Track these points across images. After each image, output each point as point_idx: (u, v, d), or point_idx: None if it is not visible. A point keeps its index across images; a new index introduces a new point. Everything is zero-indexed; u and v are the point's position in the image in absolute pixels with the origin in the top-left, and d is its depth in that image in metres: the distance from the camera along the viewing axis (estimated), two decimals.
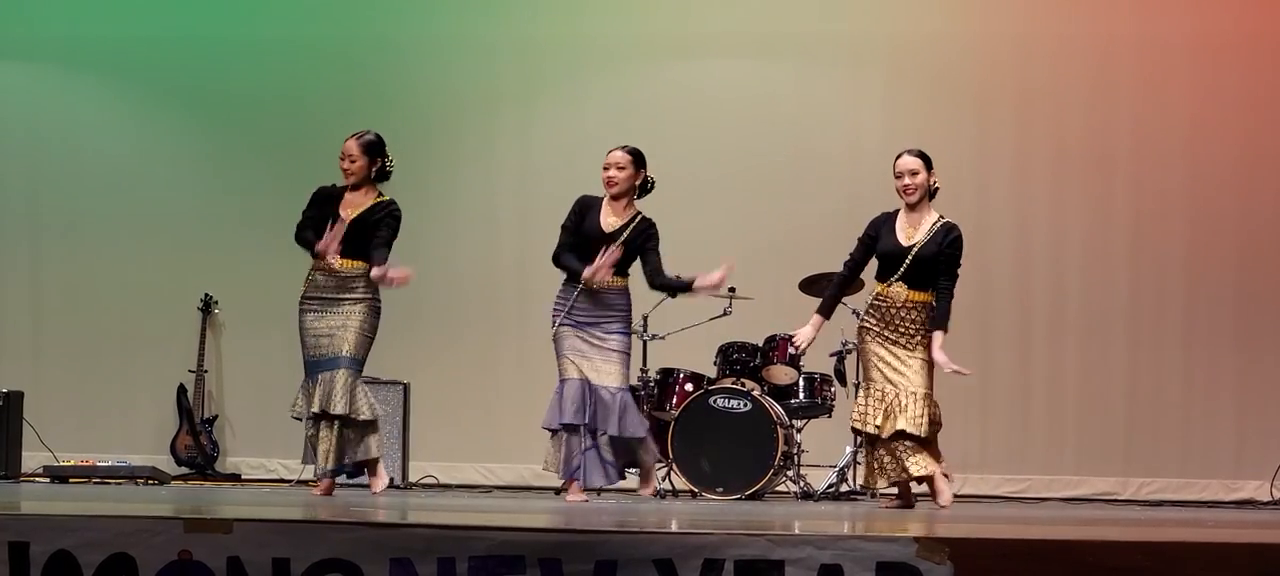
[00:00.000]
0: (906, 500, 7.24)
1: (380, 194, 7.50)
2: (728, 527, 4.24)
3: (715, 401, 8.25)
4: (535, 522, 4.48)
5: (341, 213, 7.39)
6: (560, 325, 7.25)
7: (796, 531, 4.30)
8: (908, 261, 7.05)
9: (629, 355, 7.37)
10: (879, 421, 7.02)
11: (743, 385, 8.33)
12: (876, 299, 7.15)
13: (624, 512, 6.07)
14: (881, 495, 7.53)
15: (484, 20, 10.20)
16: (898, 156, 7.22)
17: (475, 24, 10.20)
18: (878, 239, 7.18)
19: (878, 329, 7.11)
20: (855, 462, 8.56)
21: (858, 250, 7.28)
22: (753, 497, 8.11)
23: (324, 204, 7.47)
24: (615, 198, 7.32)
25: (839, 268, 8.61)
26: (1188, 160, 9.77)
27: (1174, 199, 9.77)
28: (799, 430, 8.60)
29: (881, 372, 7.07)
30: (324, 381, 7.33)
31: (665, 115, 9.93)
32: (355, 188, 7.45)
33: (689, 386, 8.48)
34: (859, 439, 7.18)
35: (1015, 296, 9.64)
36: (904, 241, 7.09)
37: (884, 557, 4.00)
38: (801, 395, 8.54)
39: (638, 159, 7.35)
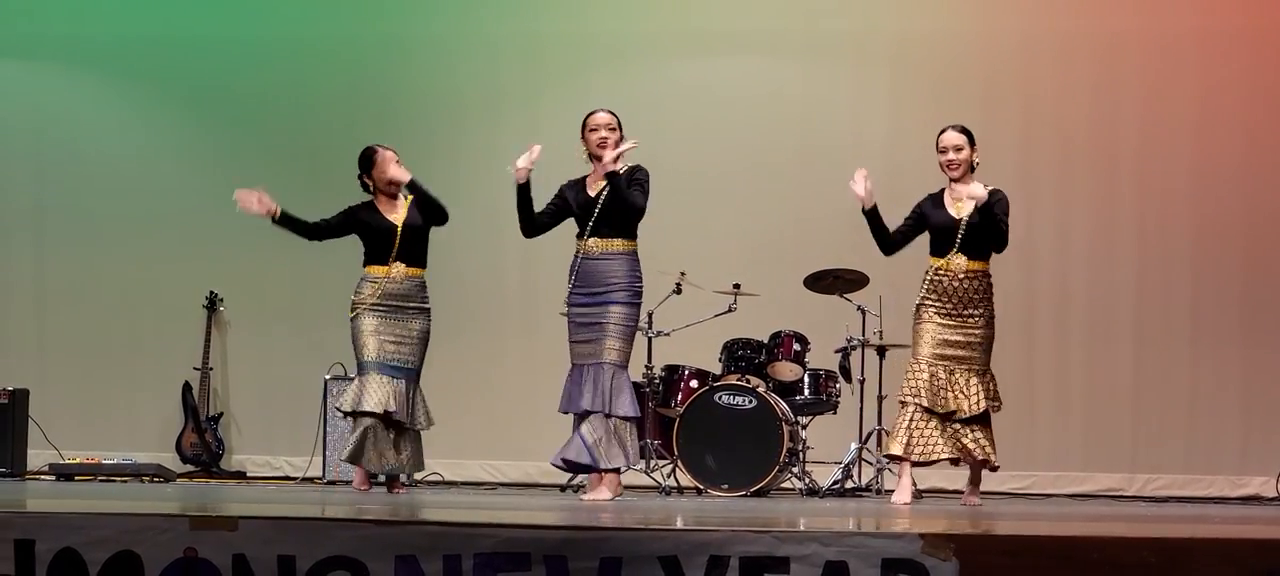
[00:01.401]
0: (975, 480, 7.30)
1: (407, 197, 7.63)
2: (733, 524, 4.24)
3: (720, 398, 8.24)
4: (541, 520, 4.48)
5: (391, 219, 7.51)
6: (569, 302, 7.12)
7: (802, 528, 4.29)
8: (962, 232, 7.10)
9: (629, 324, 7.06)
10: (928, 399, 7.06)
11: (748, 381, 8.32)
12: (936, 274, 7.17)
13: (629, 510, 6.07)
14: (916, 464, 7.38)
15: (488, 18, 10.19)
16: (942, 132, 7.30)
17: (479, 22, 10.20)
18: (926, 216, 7.24)
19: (937, 304, 7.15)
20: (861, 459, 8.56)
21: (905, 222, 7.31)
22: (758, 494, 8.11)
23: (357, 218, 7.56)
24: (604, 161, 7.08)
25: (842, 264, 8.66)
26: (1193, 156, 9.75)
27: (1179, 195, 9.76)
28: (804, 426, 8.59)
29: (939, 351, 7.11)
30: (396, 388, 7.37)
31: (670, 112, 9.92)
32: (393, 198, 7.55)
33: (694, 383, 8.47)
34: (910, 413, 7.11)
35: (1020, 293, 9.61)
36: (955, 214, 7.15)
37: (889, 554, 3.99)
38: (807, 391, 8.53)
39: (619, 120, 7.18)
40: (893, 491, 7.41)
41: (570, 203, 7.18)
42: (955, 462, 7.26)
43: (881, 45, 9.95)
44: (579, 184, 7.20)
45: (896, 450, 7.14)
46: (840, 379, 8.62)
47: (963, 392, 7.09)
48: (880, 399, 8.56)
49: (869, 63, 9.98)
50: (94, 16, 10.35)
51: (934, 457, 7.15)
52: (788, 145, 9.92)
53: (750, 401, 8.19)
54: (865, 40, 9.96)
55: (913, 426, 7.10)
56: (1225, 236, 9.73)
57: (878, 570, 3.99)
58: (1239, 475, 9.58)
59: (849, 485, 8.47)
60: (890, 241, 7.35)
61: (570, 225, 7.29)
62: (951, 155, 7.21)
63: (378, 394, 7.36)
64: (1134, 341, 9.75)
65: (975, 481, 7.36)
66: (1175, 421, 9.69)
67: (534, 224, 7.25)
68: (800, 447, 8.47)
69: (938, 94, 9.85)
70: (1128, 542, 4.10)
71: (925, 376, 7.11)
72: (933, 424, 7.10)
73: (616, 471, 7.05)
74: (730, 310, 8.68)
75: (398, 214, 7.56)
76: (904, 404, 7.16)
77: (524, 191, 7.15)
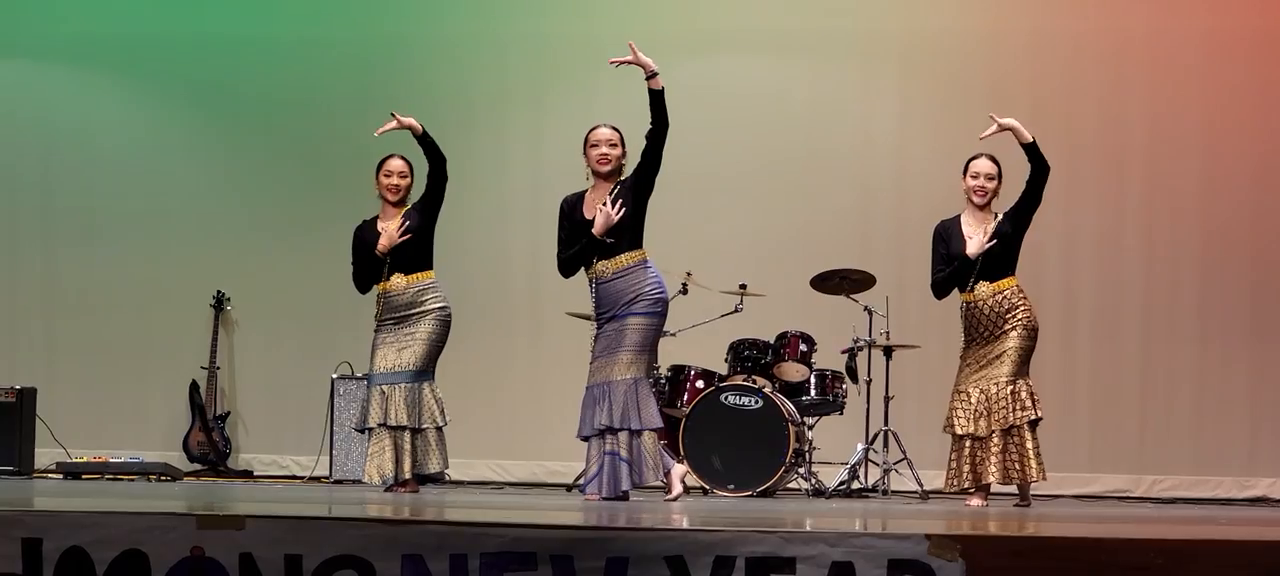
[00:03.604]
0: (1024, 498, 7.33)
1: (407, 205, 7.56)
2: (739, 525, 4.24)
3: (726, 398, 8.24)
4: (547, 519, 4.48)
5: (382, 229, 7.43)
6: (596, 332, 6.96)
7: (808, 528, 4.29)
8: (979, 264, 7.15)
9: (647, 336, 6.85)
10: (969, 425, 7.11)
11: (754, 382, 8.32)
12: (967, 309, 7.25)
13: (636, 510, 6.07)
14: (965, 492, 7.42)
15: (495, 18, 10.20)
16: (973, 158, 7.30)
17: (486, 21, 10.20)
18: (948, 246, 7.24)
19: (975, 335, 7.21)
20: (867, 459, 8.56)
21: (939, 261, 7.30)
22: (764, 495, 8.11)
23: (364, 245, 7.50)
24: (605, 177, 6.92)
25: (849, 264, 8.66)
26: (1202, 156, 9.74)
27: (1188, 195, 9.75)
28: (810, 427, 8.59)
29: (970, 376, 7.17)
30: (394, 396, 7.33)
31: (677, 112, 9.77)
32: (396, 205, 7.49)
33: (700, 383, 8.47)
34: (953, 445, 7.23)
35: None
36: (973, 251, 7.14)
37: (896, 555, 3.99)
38: (813, 392, 8.53)
39: (623, 135, 7.03)
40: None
41: (575, 232, 6.93)
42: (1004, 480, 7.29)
43: (889, 45, 9.95)
44: (576, 204, 6.99)
45: (954, 487, 7.26)
46: (847, 379, 8.62)
47: (992, 409, 7.11)
48: (887, 399, 8.55)
49: (876, 62, 9.98)
50: (102, 16, 10.37)
51: (984, 480, 7.18)
52: (795, 145, 9.92)
53: (756, 402, 8.19)
54: (873, 40, 9.95)
55: (962, 458, 7.18)
56: (1233, 237, 9.71)
57: (884, 570, 3.99)
58: (1247, 476, 9.57)
59: (855, 486, 8.47)
60: (944, 288, 7.35)
61: None
62: (983, 182, 7.24)
63: (376, 409, 7.35)
64: (1141, 342, 9.74)
65: (984, 487, 7.34)
66: (1183, 422, 9.68)
67: (570, 265, 7.02)
68: (806, 448, 8.46)
69: (945, 94, 9.84)
70: (1135, 544, 4.09)
71: (961, 405, 7.16)
72: (979, 447, 7.14)
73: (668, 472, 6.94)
74: (737, 310, 8.68)
75: (391, 224, 7.44)
76: (958, 437, 7.22)
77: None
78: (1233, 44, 9.74)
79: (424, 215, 7.44)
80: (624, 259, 6.86)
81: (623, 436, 6.79)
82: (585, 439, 6.96)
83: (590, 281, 6.95)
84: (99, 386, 10.20)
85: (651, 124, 6.90)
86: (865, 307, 8.62)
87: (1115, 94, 9.81)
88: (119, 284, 10.30)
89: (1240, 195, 9.71)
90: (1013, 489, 7.42)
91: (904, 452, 8.42)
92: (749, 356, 8.52)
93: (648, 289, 6.85)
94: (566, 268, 7.05)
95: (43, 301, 10.39)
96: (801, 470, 8.45)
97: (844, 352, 8.62)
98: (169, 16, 10.33)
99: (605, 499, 6.79)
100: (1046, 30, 9.86)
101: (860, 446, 8.54)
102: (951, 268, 7.24)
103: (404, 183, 7.51)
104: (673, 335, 8.63)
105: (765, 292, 8.72)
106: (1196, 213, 9.74)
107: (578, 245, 6.92)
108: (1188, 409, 9.69)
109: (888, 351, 8.62)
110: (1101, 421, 9.73)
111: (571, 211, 6.99)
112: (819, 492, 8.41)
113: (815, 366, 8.57)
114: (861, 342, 8.59)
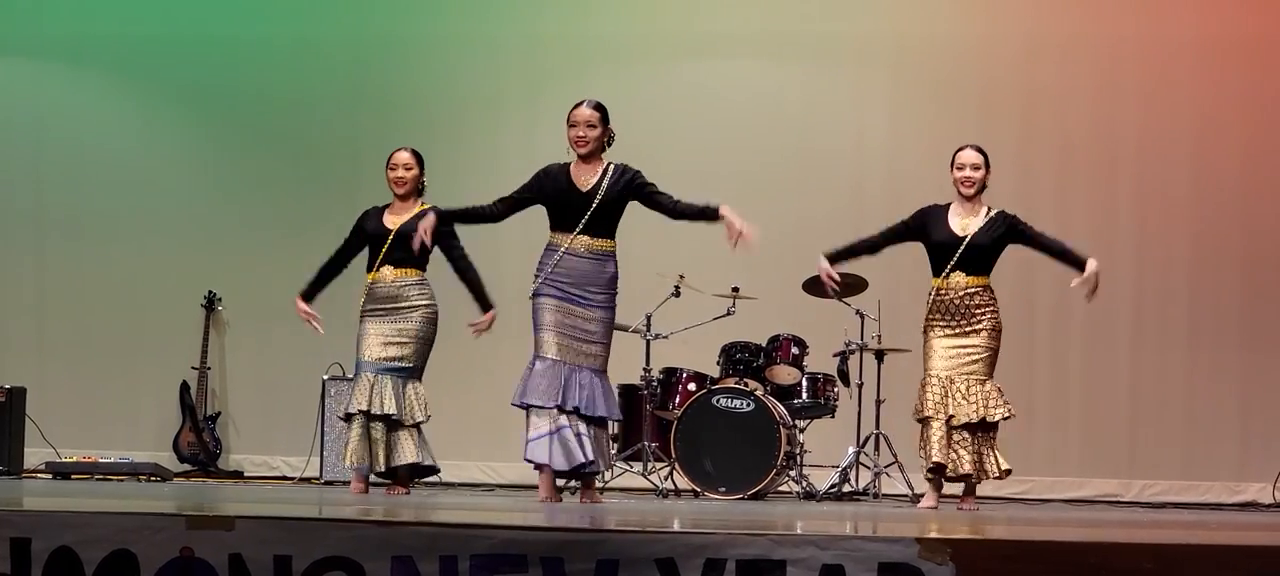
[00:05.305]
0: (971, 488, 7.32)
1: (423, 204, 7.57)
2: (730, 527, 4.24)
3: (718, 401, 8.24)
4: (538, 521, 4.48)
5: (387, 224, 7.49)
6: (542, 293, 6.89)
7: (799, 531, 4.30)
8: (961, 250, 7.16)
9: (610, 330, 6.93)
10: (934, 409, 7.12)
11: (746, 385, 8.32)
12: (938, 294, 7.23)
13: (626, 512, 6.07)
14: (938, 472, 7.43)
15: (489, 19, 10.20)
16: (959, 150, 7.34)
17: (480, 23, 10.20)
18: (926, 229, 7.27)
19: (942, 322, 7.20)
20: (858, 462, 8.56)
21: (896, 228, 7.36)
22: (755, 497, 8.11)
23: (363, 230, 7.56)
24: (585, 158, 6.89)
25: (841, 268, 8.65)
26: (1193, 162, 9.76)
27: (1179, 200, 9.77)
28: (802, 430, 8.60)
29: (942, 362, 7.17)
30: (382, 384, 7.38)
31: (670, 114, 9.92)
32: (403, 198, 7.54)
33: (692, 386, 8.48)
34: (935, 427, 7.18)
35: (1019, 297, 9.61)
36: (959, 231, 7.19)
37: (886, 558, 3.99)
38: (804, 395, 8.53)
39: (605, 113, 6.96)
40: (921, 496, 7.43)
41: (550, 193, 6.90)
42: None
43: (882, 49, 9.96)
44: (563, 173, 6.91)
45: (937, 458, 7.18)
46: (838, 383, 8.62)
47: (964, 399, 7.14)
48: (878, 403, 8.56)
49: (869, 66, 9.99)
50: (95, 15, 10.36)
51: (961, 469, 7.19)
52: (787, 148, 9.92)
53: (748, 404, 8.19)
54: (865, 44, 9.96)
55: (940, 440, 7.15)
56: (1224, 242, 9.73)
57: (874, 574, 3.99)
58: (1236, 481, 9.58)
59: (846, 489, 8.47)
60: (875, 245, 7.39)
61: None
62: (969, 172, 7.27)
63: (361, 394, 7.40)
64: (1132, 346, 9.75)
65: (970, 489, 7.37)
66: (1173, 427, 9.69)
67: (513, 206, 7.03)
68: (797, 451, 8.47)
69: (938, 98, 9.86)
70: (1124, 548, 4.10)
71: (939, 390, 7.15)
72: (954, 432, 7.15)
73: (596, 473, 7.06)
74: (729, 313, 8.68)
75: (398, 218, 7.51)
76: (929, 420, 7.19)
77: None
78: (1224, 49, 9.76)
79: (439, 234, 7.42)
80: (607, 244, 6.91)
81: (580, 421, 6.83)
82: (526, 408, 6.87)
83: (557, 248, 6.89)
84: (89, 386, 10.18)
85: (675, 207, 6.94)
86: (857, 311, 8.62)
87: (1107, 99, 9.82)
88: (110, 283, 10.29)
89: (1231, 200, 9.73)
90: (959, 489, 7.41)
91: (895, 456, 8.43)
92: (741, 359, 8.53)
93: (614, 281, 6.92)
94: (506, 207, 7.00)
95: (33, 300, 10.37)
96: (793, 473, 8.45)
97: (836, 356, 8.62)
98: (162, 16, 10.32)
99: (562, 471, 6.88)
100: (1038, 35, 9.88)
101: (851, 449, 8.55)
102: (895, 228, 7.30)
103: (410, 175, 7.57)
104: (665, 337, 8.64)
105: (757, 296, 8.72)
106: (1187, 218, 9.75)
107: (535, 205, 6.92)
108: (1178, 414, 9.71)
109: (879, 355, 8.62)
110: (1092, 426, 9.74)
111: (548, 180, 6.90)
112: (810, 495, 8.41)
113: (807, 369, 8.57)
114: (853, 346, 8.59)
